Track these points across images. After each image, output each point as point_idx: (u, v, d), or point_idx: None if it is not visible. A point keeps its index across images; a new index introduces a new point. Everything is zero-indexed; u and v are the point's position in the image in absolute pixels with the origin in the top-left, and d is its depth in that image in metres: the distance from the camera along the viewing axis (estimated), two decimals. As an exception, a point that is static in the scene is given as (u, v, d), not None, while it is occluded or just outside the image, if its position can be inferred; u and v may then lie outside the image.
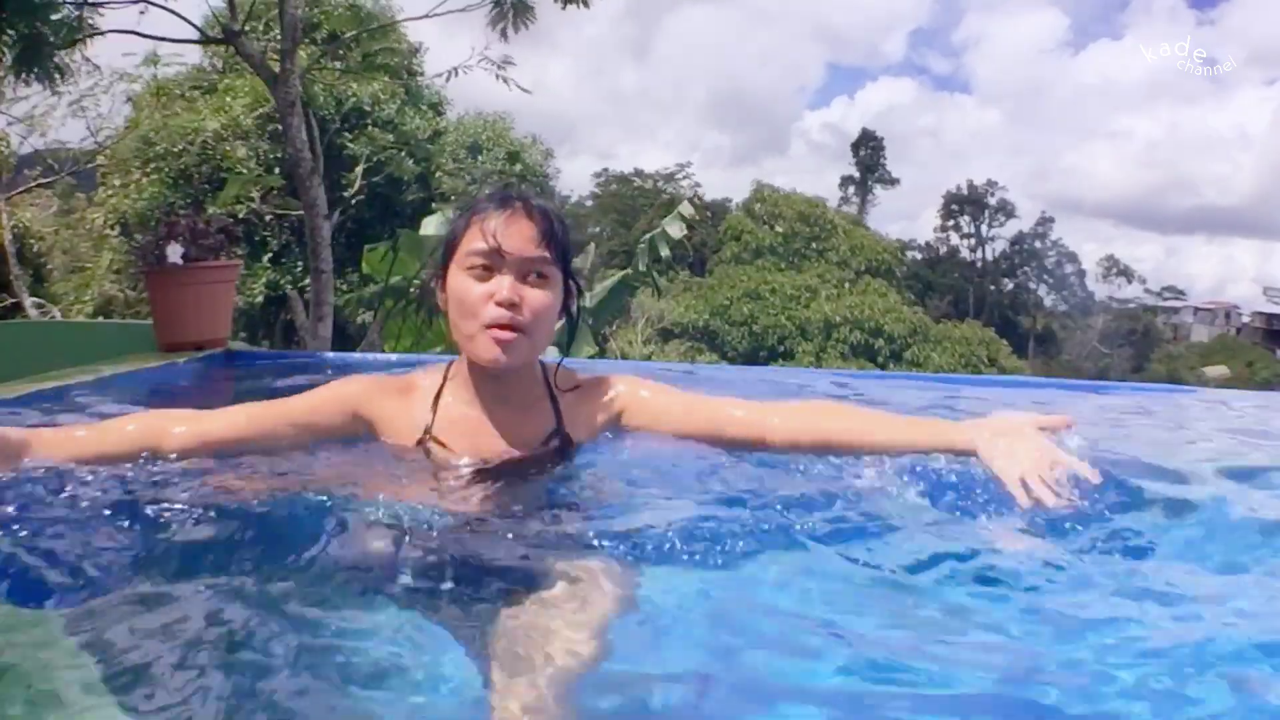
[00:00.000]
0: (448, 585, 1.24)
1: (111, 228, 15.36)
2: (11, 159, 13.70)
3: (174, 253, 3.95)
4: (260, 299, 14.99)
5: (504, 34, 7.82)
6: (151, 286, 4.16)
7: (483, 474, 1.63)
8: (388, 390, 1.71)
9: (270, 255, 15.39)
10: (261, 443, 1.62)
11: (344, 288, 13.01)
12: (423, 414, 1.68)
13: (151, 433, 1.58)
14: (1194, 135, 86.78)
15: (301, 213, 7.31)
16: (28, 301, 12.76)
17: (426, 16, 7.95)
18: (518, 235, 1.57)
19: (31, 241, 14.94)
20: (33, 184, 14.36)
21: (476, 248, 1.57)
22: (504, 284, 1.56)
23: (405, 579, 1.25)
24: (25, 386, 2.80)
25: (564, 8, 7.57)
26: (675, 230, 8.71)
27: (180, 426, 1.60)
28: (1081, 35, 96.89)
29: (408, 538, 1.33)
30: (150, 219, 13.45)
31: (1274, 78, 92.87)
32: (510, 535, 1.39)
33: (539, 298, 1.58)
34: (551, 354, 1.86)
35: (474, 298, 1.57)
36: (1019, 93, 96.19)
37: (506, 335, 1.56)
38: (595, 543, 1.32)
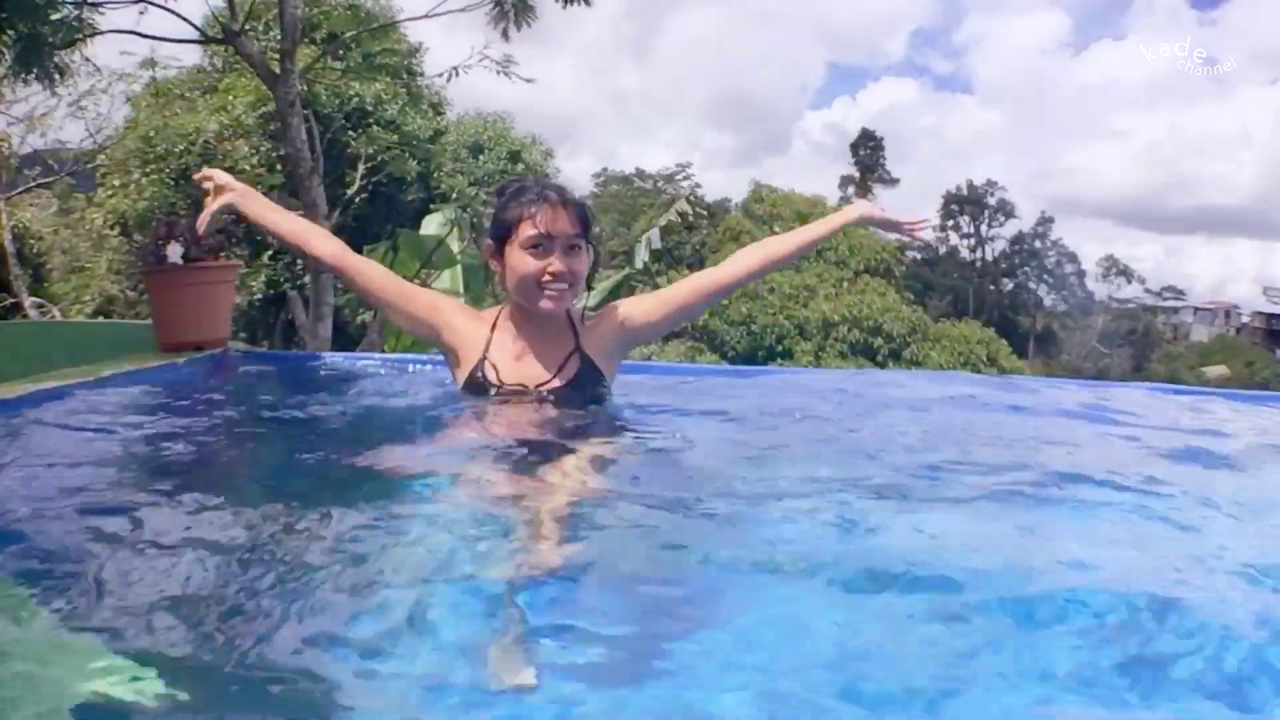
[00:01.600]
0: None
1: (111, 228, 15.34)
2: (12, 159, 13.69)
3: (174, 253, 3.95)
4: (259, 296, 14.96)
5: (505, 33, 7.82)
6: (151, 286, 4.15)
7: (522, 400, 2.26)
8: (465, 312, 2.45)
9: (270, 253, 15.36)
10: (375, 289, 2.38)
11: (344, 287, 13.00)
12: (484, 333, 2.34)
13: (312, 233, 2.53)
14: (1195, 135, 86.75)
15: (302, 212, 7.30)
16: (27, 301, 12.75)
17: (426, 16, 7.96)
18: (563, 222, 2.22)
19: (31, 241, 14.94)
20: (32, 184, 14.36)
21: (532, 234, 2.20)
22: (556, 259, 2.21)
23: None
24: (25, 386, 2.80)
25: (565, 7, 7.57)
26: (671, 218, 8.72)
27: (332, 245, 2.46)
28: (1083, 36, 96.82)
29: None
30: (150, 219, 13.43)
31: (1275, 78, 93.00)
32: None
33: (578, 264, 2.26)
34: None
35: (534, 270, 2.22)
36: (1020, 93, 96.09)
37: (559, 293, 2.23)
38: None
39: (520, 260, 2.22)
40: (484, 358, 2.31)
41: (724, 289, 2.47)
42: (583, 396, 2.30)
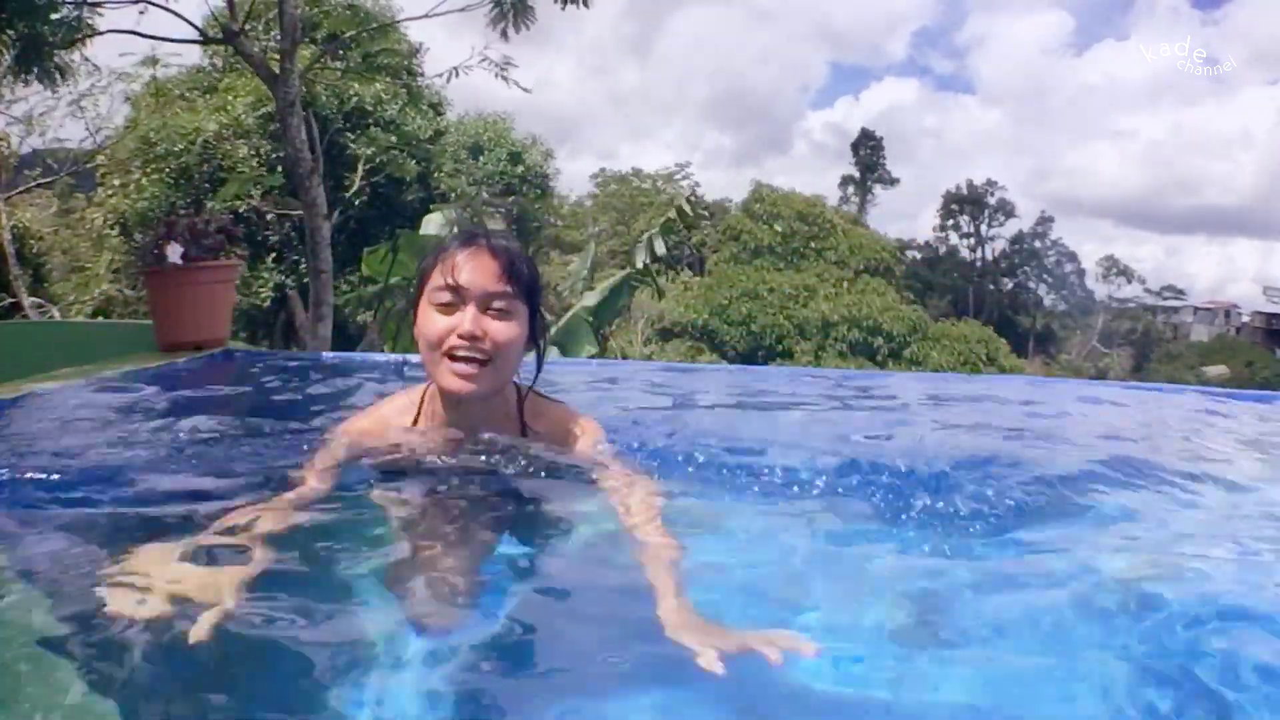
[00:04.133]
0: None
1: (111, 228, 15.34)
2: (12, 159, 13.69)
3: (174, 253, 3.95)
4: (267, 302, 14.96)
5: (504, 34, 7.83)
6: (151, 286, 4.16)
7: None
8: (367, 434, 1.83)
9: (273, 256, 15.36)
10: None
11: (344, 288, 13.01)
12: (406, 414, 1.82)
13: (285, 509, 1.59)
14: (1196, 135, 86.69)
15: (302, 212, 7.31)
16: (27, 301, 12.75)
17: (426, 16, 7.97)
18: (479, 271, 1.67)
19: (31, 241, 14.93)
20: (32, 184, 14.36)
21: (440, 283, 1.67)
22: (466, 317, 1.65)
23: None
24: (25, 386, 2.81)
25: (564, 8, 7.58)
26: (671, 217, 8.73)
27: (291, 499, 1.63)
28: (1085, 36, 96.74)
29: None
30: (150, 219, 13.43)
31: (1276, 78, 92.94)
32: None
33: (501, 329, 1.67)
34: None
35: (438, 330, 1.67)
36: (1022, 93, 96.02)
37: (469, 369, 1.65)
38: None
39: (425, 318, 1.69)
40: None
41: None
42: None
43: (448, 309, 1.66)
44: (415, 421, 1.80)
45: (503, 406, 1.79)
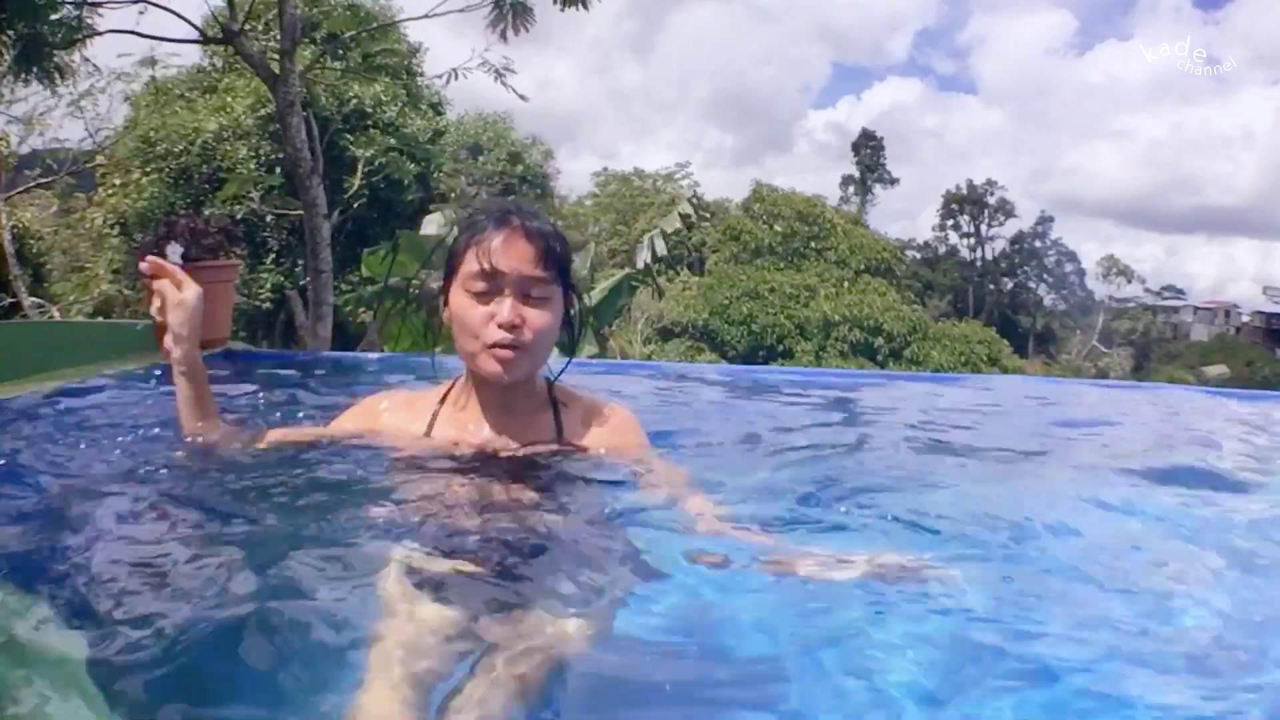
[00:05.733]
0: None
1: (111, 228, 15.35)
2: (11, 159, 13.69)
3: (174, 253, 3.92)
4: (267, 303, 14.97)
5: (503, 35, 7.83)
6: (151, 286, 4.15)
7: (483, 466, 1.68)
8: (396, 404, 1.83)
9: (272, 256, 15.37)
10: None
11: (344, 287, 13.01)
12: (421, 423, 1.77)
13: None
14: (1196, 135, 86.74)
15: (302, 212, 7.31)
16: (27, 301, 12.75)
17: (426, 16, 7.96)
18: (516, 257, 1.62)
19: (31, 241, 14.94)
20: (32, 184, 14.35)
21: (476, 270, 1.62)
22: (505, 306, 1.61)
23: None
24: (25, 386, 2.80)
25: (563, 9, 7.57)
26: (671, 224, 8.73)
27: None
28: (1088, 36, 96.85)
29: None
30: (150, 219, 13.43)
31: (1278, 78, 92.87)
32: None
33: (539, 318, 1.64)
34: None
35: (476, 319, 1.63)
36: (1023, 93, 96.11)
37: (507, 354, 1.62)
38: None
39: (461, 306, 1.65)
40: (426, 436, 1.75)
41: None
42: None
43: (484, 297, 1.62)
44: (441, 403, 1.77)
45: (536, 390, 1.77)
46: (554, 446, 1.73)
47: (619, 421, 1.80)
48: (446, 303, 1.70)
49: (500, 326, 1.60)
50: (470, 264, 1.63)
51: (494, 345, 1.61)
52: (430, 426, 1.75)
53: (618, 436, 1.78)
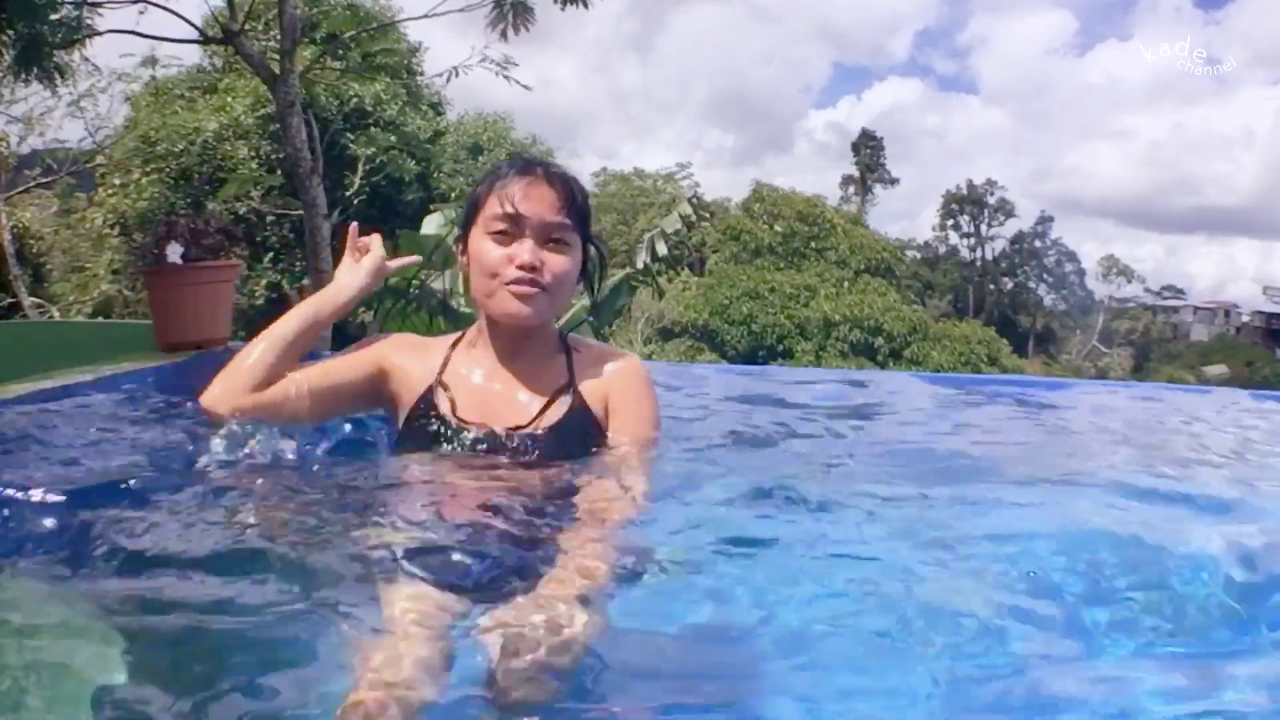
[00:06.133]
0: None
1: (111, 228, 15.35)
2: (11, 159, 13.70)
3: (174, 253, 3.95)
4: (262, 301, 14.97)
5: (503, 35, 7.82)
6: (151, 286, 4.15)
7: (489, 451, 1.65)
8: (408, 345, 1.80)
9: (271, 255, 15.37)
10: (306, 401, 1.69)
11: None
12: (437, 358, 1.75)
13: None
14: (1197, 135, 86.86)
15: (301, 212, 7.31)
16: (27, 301, 12.76)
17: (426, 16, 7.96)
18: (538, 201, 1.63)
19: (31, 241, 14.94)
20: (32, 184, 14.36)
21: (497, 212, 1.63)
22: (525, 247, 1.62)
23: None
24: (25, 386, 2.80)
25: (564, 8, 7.57)
26: (672, 224, 8.72)
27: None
28: (1088, 36, 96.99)
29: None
30: (150, 219, 13.44)
31: (1278, 78, 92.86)
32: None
33: (559, 262, 1.65)
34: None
35: (495, 259, 1.63)
36: (1023, 93, 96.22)
37: (527, 289, 1.62)
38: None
39: (480, 248, 1.65)
40: (435, 384, 1.71)
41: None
42: (568, 454, 1.66)
43: (504, 238, 1.63)
44: (454, 346, 1.76)
45: (549, 336, 1.77)
46: (563, 403, 1.69)
47: (628, 365, 1.79)
48: (464, 250, 1.71)
49: (520, 268, 1.61)
50: (492, 207, 1.64)
51: (513, 283, 1.62)
52: (443, 368, 1.73)
53: (623, 379, 1.76)
